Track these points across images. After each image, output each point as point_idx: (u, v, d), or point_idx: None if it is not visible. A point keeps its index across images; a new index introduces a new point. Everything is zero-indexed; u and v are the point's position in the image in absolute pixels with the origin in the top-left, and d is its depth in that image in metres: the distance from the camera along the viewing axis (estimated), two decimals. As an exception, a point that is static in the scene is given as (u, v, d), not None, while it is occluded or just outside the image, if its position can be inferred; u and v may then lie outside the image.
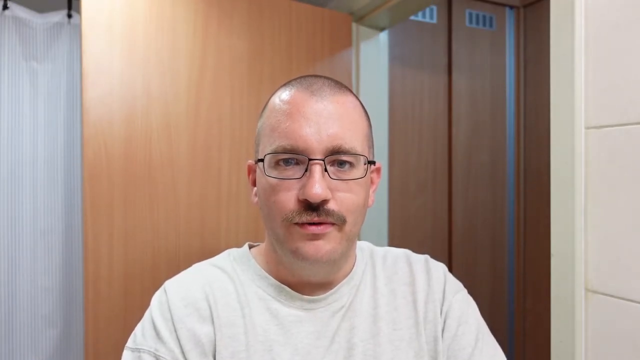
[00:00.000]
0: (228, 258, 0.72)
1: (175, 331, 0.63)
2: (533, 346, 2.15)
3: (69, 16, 1.60)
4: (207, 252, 1.39)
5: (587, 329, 0.88)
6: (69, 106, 1.61)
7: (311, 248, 0.60)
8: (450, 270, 0.77)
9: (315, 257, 0.60)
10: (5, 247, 1.53)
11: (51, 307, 1.58)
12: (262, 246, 0.73)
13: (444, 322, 0.69)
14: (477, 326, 0.71)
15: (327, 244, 0.61)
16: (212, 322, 0.64)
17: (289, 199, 0.60)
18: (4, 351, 1.52)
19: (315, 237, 0.60)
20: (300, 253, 0.61)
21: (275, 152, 0.61)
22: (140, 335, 0.64)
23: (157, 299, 0.67)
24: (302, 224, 0.60)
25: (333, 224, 0.60)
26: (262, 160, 0.63)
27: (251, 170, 0.71)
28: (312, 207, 0.59)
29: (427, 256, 0.77)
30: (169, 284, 0.68)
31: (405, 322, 0.68)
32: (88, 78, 1.26)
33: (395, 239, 1.92)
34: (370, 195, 0.69)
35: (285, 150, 0.60)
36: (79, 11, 1.29)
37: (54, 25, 1.59)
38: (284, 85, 0.67)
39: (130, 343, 0.65)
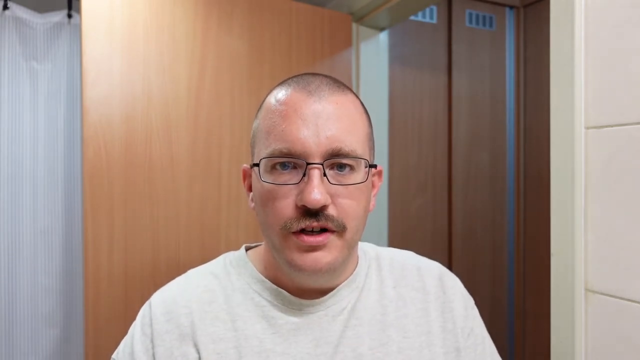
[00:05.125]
0: (223, 263, 0.69)
1: (153, 348, 0.61)
2: (533, 346, 2.15)
3: (69, 16, 1.60)
4: (207, 251, 1.39)
5: (587, 329, 0.88)
6: (69, 106, 1.61)
7: (309, 260, 0.57)
8: (450, 270, 0.76)
9: (313, 269, 0.57)
10: (5, 247, 1.53)
11: (51, 307, 1.58)
12: (261, 249, 0.70)
13: (467, 336, 0.68)
14: (489, 346, 0.71)
15: (327, 255, 0.57)
16: (194, 340, 0.61)
17: (286, 206, 0.57)
18: (4, 351, 1.52)
19: (314, 248, 0.57)
20: (297, 264, 0.57)
21: (271, 156, 0.58)
22: (122, 349, 0.65)
23: (141, 312, 0.66)
24: (299, 235, 0.57)
25: (333, 232, 0.58)
26: (257, 164, 0.60)
27: (246, 175, 0.68)
28: (311, 213, 0.56)
29: (438, 263, 0.75)
30: (155, 296, 0.67)
31: (415, 330, 0.65)
32: (88, 78, 1.26)
33: (395, 239, 1.91)
34: (372, 200, 0.65)
35: (281, 154, 0.57)
36: (79, 11, 1.29)
37: (54, 25, 1.59)
38: (280, 84, 0.64)
39: (114, 354, 0.66)
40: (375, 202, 0.68)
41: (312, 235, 0.57)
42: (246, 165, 0.68)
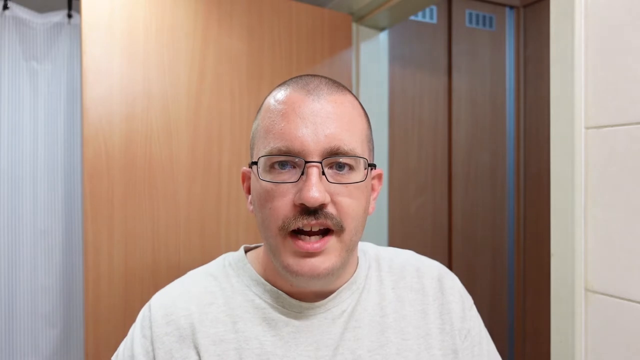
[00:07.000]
0: (223, 264, 0.69)
1: (153, 350, 0.61)
2: (533, 346, 2.15)
3: (69, 16, 1.61)
4: (207, 250, 1.39)
5: (587, 329, 0.88)
6: (69, 106, 1.61)
7: (306, 266, 0.56)
8: (450, 270, 0.76)
9: (310, 275, 0.57)
10: (5, 247, 1.53)
11: (51, 307, 1.58)
12: (260, 250, 0.69)
13: (464, 337, 0.68)
14: (487, 344, 0.71)
15: (326, 260, 0.57)
16: (194, 342, 0.61)
17: (284, 205, 0.56)
18: (4, 351, 1.52)
19: (311, 254, 0.56)
20: (293, 270, 0.57)
21: (269, 155, 0.57)
22: (122, 351, 0.64)
23: (141, 314, 0.66)
24: (295, 240, 0.56)
25: (332, 234, 0.57)
26: (256, 163, 0.59)
27: (245, 178, 0.68)
28: (309, 212, 0.55)
29: (437, 263, 0.74)
30: (155, 298, 0.66)
31: (413, 332, 0.65)
32: (88, 78, 1.26)
33: (395, 239, 1.92)
34: (371, 203, 0.65)
35: (280, 152, 0.56)
36: (79, 11, 1.29)
37: (54, 25, 1.59)
38: (280, 85, 0.64)
39: (114, 356, 0.65)
40: (375, 205, 0.67)
41: (309, 241, 0.56)
42: (245, 168, 0.68)
